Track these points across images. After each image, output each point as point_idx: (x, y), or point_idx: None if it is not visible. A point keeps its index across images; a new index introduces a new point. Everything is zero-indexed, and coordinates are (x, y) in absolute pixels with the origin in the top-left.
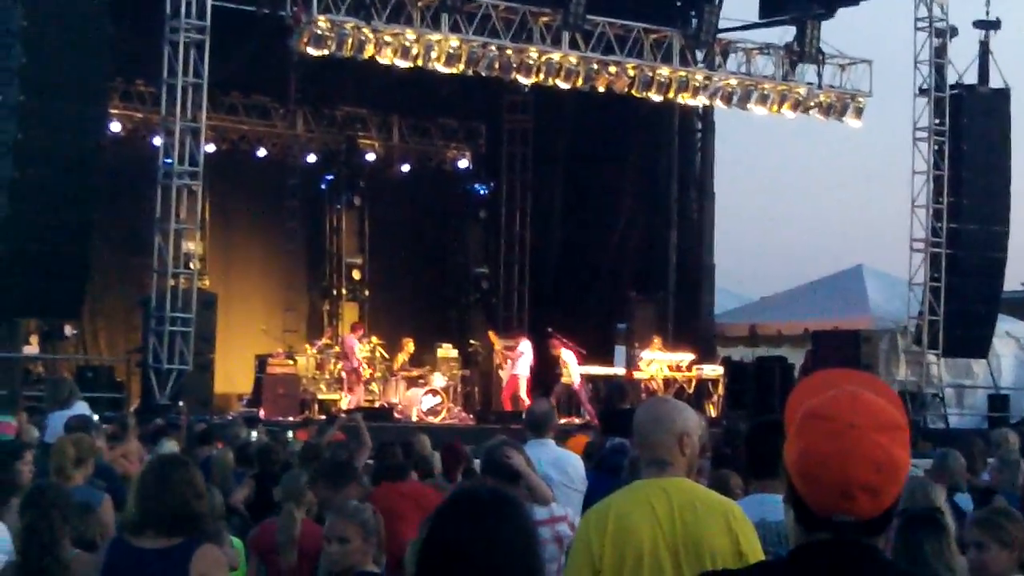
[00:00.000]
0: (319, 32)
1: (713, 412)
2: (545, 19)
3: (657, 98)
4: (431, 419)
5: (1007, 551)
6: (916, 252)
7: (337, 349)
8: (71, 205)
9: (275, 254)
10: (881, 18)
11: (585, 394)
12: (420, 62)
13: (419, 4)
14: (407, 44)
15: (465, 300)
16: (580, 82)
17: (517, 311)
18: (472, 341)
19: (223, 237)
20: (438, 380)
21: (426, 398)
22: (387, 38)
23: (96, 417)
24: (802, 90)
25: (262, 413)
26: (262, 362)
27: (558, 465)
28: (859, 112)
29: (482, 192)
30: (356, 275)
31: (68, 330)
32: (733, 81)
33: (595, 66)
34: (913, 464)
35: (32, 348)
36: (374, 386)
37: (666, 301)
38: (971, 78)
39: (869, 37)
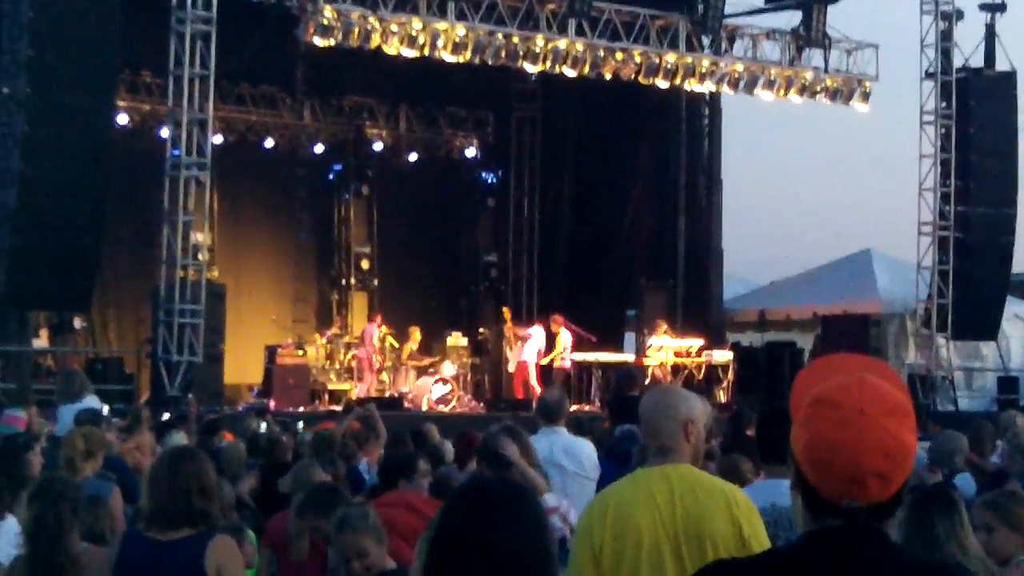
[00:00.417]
0: (325, 22)
1: (723, 397)
2: (551, 6)
3: (664, 84)
4: (441, 408)
5: (1016, 534)
6: (924, 236)
7: (347, 339)
8: (80, 198)
9: (284, 244)
10: (887, 2)
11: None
12: (427, 51)
13: None
14: (413, 33)
15: (474, 288)
16: (587, 69)
17: (526, 299)
18: (482, 329)
19: (232, 228)
20: (448, 369)
21: (436, 387)
22: (393, 27)
23: (107, 409)
24: (808, 75)
25: (272, 404)
26: (272, 353)
27: (570, 453)
28: (866, 96)
29: (490, 180)
30: (365, 264)
31: (77, 323)
32: (739, 67)
33: (601, 53)
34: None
35: (42, 341)
36: (384, 375)
37: (675, 287)
38: (977, 61)
39: (875, 21)
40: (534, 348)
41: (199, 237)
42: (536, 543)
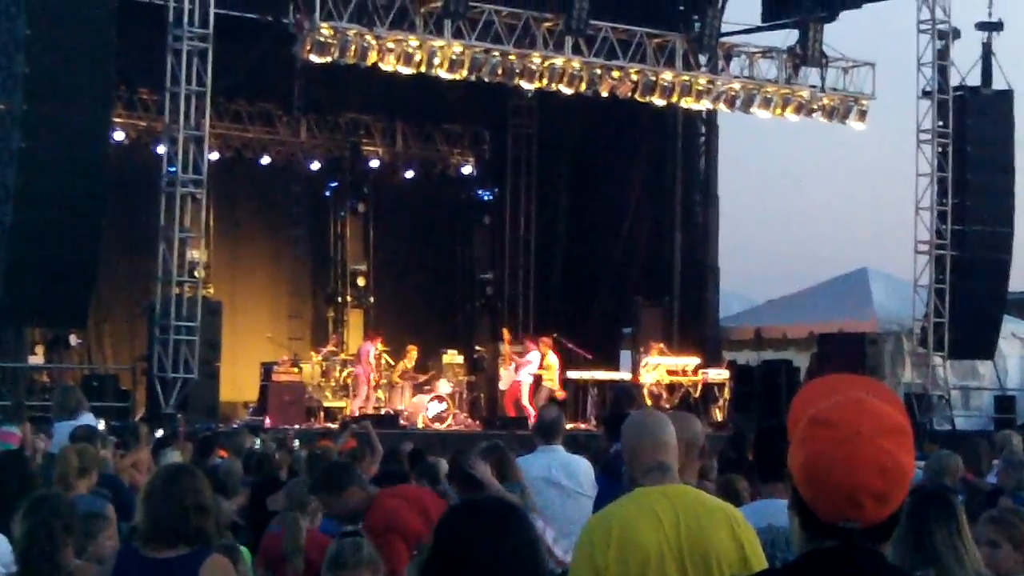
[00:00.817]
0: (322, 39)
1: (719, 416)
2: (548, 24)
3: (660, 102)
4: (437, 425)
5: (1018, 552)
6: (921, 254)
7: (343, 356)
8: (76, 214)
9: (280, 261)
10: (883, 20)
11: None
12: (423, 68)
13: (422, 10)
14: (410, 50)
15: (471, 306)
16: (583, 87)
17: (522, 316)
18: (478, 347)
19: (228, 245)
20: (444, 386)
21: (432, 404)
22: (390, 44)
23: (103, 426)
24: (805, 93)
25: (268, 421)
26: (267, 370)
27: (568, 471)
28: (862, 115)
29: (487, 197)
30: (361, 281)
31: (73, 339)
32: (736, 85)
33: (598, 71)
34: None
35: (38, 358)
36: (380, 392)
37: (671, 305)
38: (974, 80)
39: (872, 40)
40: (529, 370)
41: (195, 254)
42: (529, 562)
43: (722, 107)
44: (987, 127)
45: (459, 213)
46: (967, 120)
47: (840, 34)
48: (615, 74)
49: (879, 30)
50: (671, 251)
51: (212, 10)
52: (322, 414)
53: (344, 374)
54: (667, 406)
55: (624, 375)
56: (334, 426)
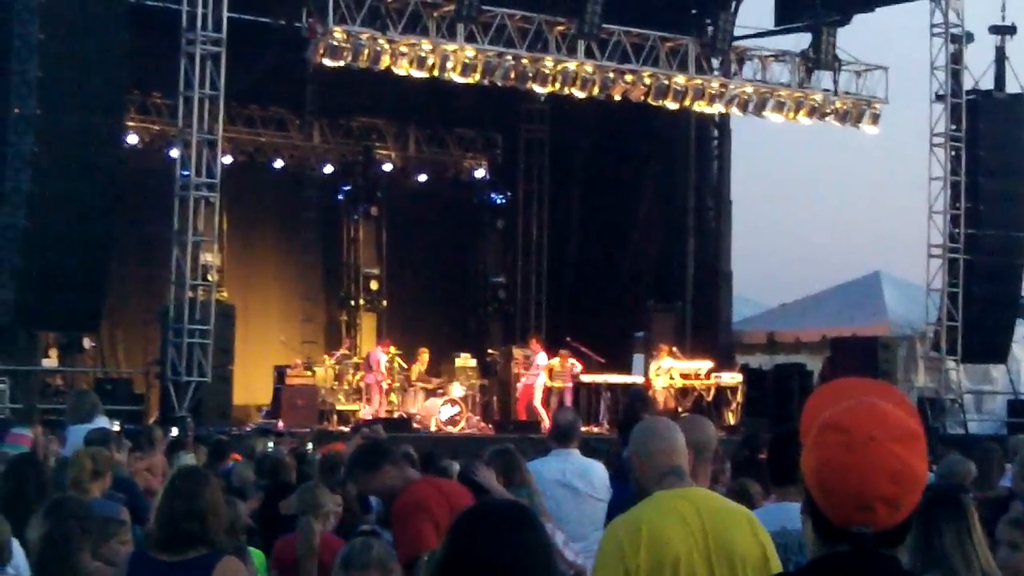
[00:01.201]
0: (335, 43)
1: (732, 420)
2: (560, 28)
3: (673, 106)
4: (449, 429)
5: None
6: (934, 258)
7: (356, 359)
8: (90, 218)
9: (292, 265)
10: (897, 24)
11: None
12: (436, 72)
13: (435, 14)
14: (423, 54)
15: (483, 310)
16: (596, 91)
17: (535, 320)
18: (490, 351)
19: (241, 248)
20: (456, 390)
21: (444, 408)
22: (403, 48)
23: (117, 429)
24: (818, 97)
25: (281, 424)
26: (280, 373)
27: (582, 474)
28: (875, 118)
29: (499, 201)
30: (374, 285)
31: (87, 343)
32: (749, 88)
33: (611, 75)
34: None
35: (51, 361)
36: (393, 396)
37: (684, 309)
38: (987, 83)
39: (885, 43)
40: (543, 375)
41: (208, 257)
42: (541, 564)
43: (735, 111)
44: (1000, 131)
45: (471, 217)
46: (980, 124)
47: (853, 38)
48: (628, 78)
49: (892, 34)
50: (684, 255)
51: (225, 14)
52: (335, 417)
53: (357, 377)
54: (680, 409)
55: (637, 379)
56: (346, 429)
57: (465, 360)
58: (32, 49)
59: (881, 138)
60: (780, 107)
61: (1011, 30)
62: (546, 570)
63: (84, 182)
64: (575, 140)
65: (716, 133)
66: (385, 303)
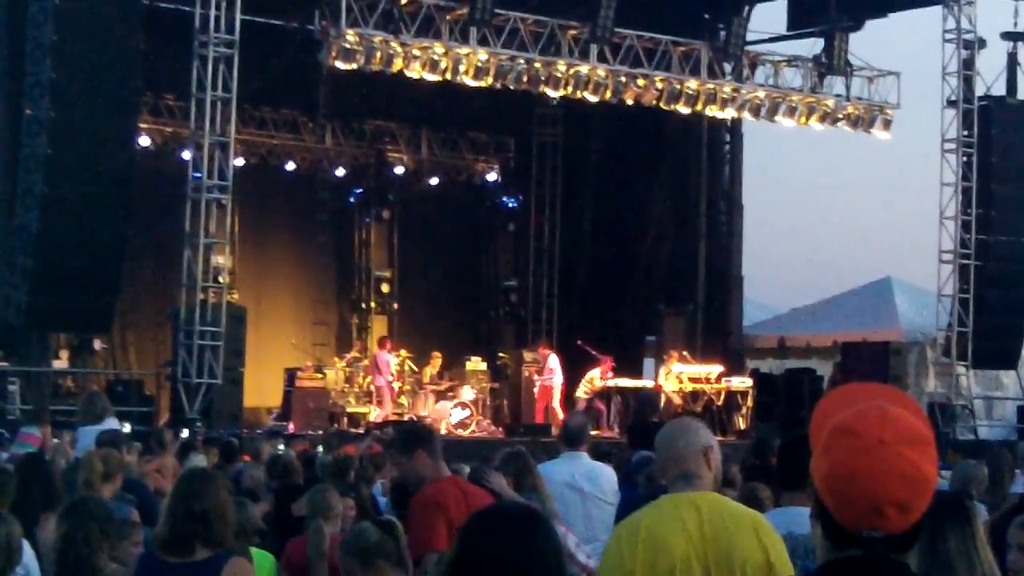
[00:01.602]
0: (348, 46)
1: (742, 424)
2: (573, 32)
3: (685, 110)
4: (460, 432)
5: None
6: (945, 264)
7: (367, 362)
8: (102, 220)
9: (304, 268)
10: (909, 30)
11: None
12: (449, 76)
13: (448, 18)
14: (436, 58)
15: (494, 313)
16: (608, 95)
17: (546, 324)
18: (501, 354)
19: (253, 251)
20: (467, 393)
21: (455, 411)
22: (416, 52)
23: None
24: (830, 102)
25: (291, 427)
26: (291, 376)
27: (591, 478)
28: (887, 124)
29: (511, 205)
30: (385, 288)
31: (98, 344)
32: (761, 93)
33: (623, 79)
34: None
35: (62, 362)
36: (403, 399)
37: (695, 313)
38: (999, 89)
39: (897, 49)
40: (558, 376)
41: (220, 260)
42: (552, 568)
43: (747, 116)
44: (1012, 136)
45: (483, 221)
46: (992, 130)
47: (865, 43)
48: (640, 82)
49: (904, 39)
50: (695, 259)
51: (238, 16)
52: (345, 420)
53: (368, 380)
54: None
55: (647, 383)
56: (357, 432)
57: (476, 363)
58: (45, 51)
59: (893, 143)
60: (792, 112)
61: (1023, 36)
62: (556, 573)
63: (97, 184)
64: (587, 144)
65: (728, 138)
66: (396, 306)
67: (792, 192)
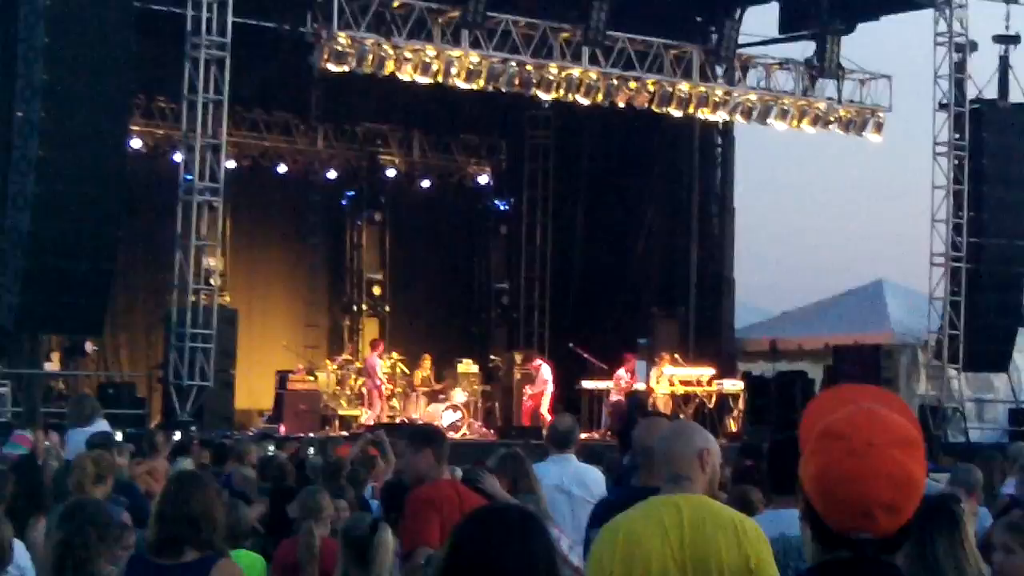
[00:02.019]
0: (340, 48)
1: (734, 427)
2: (565, 35)
3: (677, 113)
4: (452, 434)
5: None
6: (936, 267)
7: (358, 365)
8: (94, 222)
9: (296, 270)
10: (901, 33)
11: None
12: (441, 78)
13: (439, 20)
14: (428, 60)
15: (486, 316)
16: (600, 98)
17: (538, 327)
18: (493, 357)
19: (244, 253)
20: (459, 396)
21: (447, 414)
22: (407, 54)
23: (120, 436)
24: (822, 105)
25: (283, 429)
26: (283, 378)
27: (580, 480)
28: (879, 127)
29: (503, 208)
30: (377, 291)
31: (89, 346)
32: (753, 96)
33: (615, 81)
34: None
35: (54, 365)
36: (395, 402)
37: (687, 316)
38: (991, 93)
39: (889, 52)
40: (550, 385)
41: (211, 262)
42: (544, 569)
43: (739, 118)
44: (1003, 140)
45: (475, 223)
46: (984, 133)
47: (857, 46)
48: (632, 85)
49: (896, 42)
50: (687, 262)
51: (230, 19)
52: (337, 423)
53: (359, 383)
54: (682, 416)
55: (639, 385)
56: (346, 434)
57: (468, 366)
58: (38, 53)
59: (885, 147)
60: (784, 115)
61: (1015, 40)
62: (548, 574)
63: (89, 186)
64: (579, 147)
65: (720, 141)
66: (388, 309)
67: (783, 195)
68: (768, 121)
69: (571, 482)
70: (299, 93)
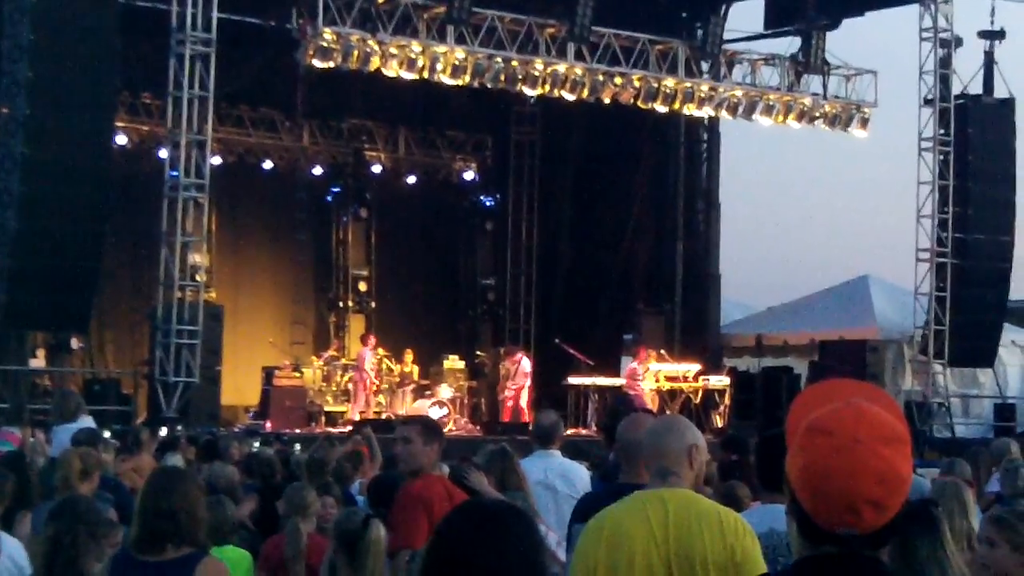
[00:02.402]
0: (325, 44)
1: (720, 422)
2: (551, 31)
3: (663, 109)
4: None
5: (1017, 554)
6: (922, 262)
7: (344, 361)
8: (80, 219)
9: (282, 266)
10: (886, 29)
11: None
12: (426, 74)
13: (425, 16)
14: (413, 56)
15: (472, 312)
16: (586, 93)
17: (524, 323)
18: (479, 353)
19: (230, 249)
20: (445, 391)
21: (432, 409)
22: (393, 50)
23: (108, 434)
24: (807, 101)
25: (269, 425)
26: (269, 374)
27: (564, 476)
28: (864, 122)
29: (489, 204)
30: (363, 287)
31: (75, 343)
32: (738, 92)
33: (601, 77)
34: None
35: (39, 361)
36: (381, 398)
37: (672, 312)
38: (976, 88)
39: (874, 48)
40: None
41: (197, 258)
42: (528, 565)
43: (724, 114)
44: (988, 135)
45: (461, 219)
46: (969, 128)
47: (842, 42)
48: (618, 80)
49: (881, 38)
50: (673, 258)
51: (215, 15)
52: (323, 419)
53: (345, 379)
54: (668, 412)
55: (624, 381)
56: (334, 431)
57: (454, 362)
58: (23, 50)
59: (870, 142)
60: (769, 111)
61: (1000, 35)
62: (533, 571)
63: (74, 183)
64: (565, 143)
65: (705, 136)
66: (374, 305)
67: (769, 191)
68: (754, 117)
69: (555, 478)
70: (285, 89)
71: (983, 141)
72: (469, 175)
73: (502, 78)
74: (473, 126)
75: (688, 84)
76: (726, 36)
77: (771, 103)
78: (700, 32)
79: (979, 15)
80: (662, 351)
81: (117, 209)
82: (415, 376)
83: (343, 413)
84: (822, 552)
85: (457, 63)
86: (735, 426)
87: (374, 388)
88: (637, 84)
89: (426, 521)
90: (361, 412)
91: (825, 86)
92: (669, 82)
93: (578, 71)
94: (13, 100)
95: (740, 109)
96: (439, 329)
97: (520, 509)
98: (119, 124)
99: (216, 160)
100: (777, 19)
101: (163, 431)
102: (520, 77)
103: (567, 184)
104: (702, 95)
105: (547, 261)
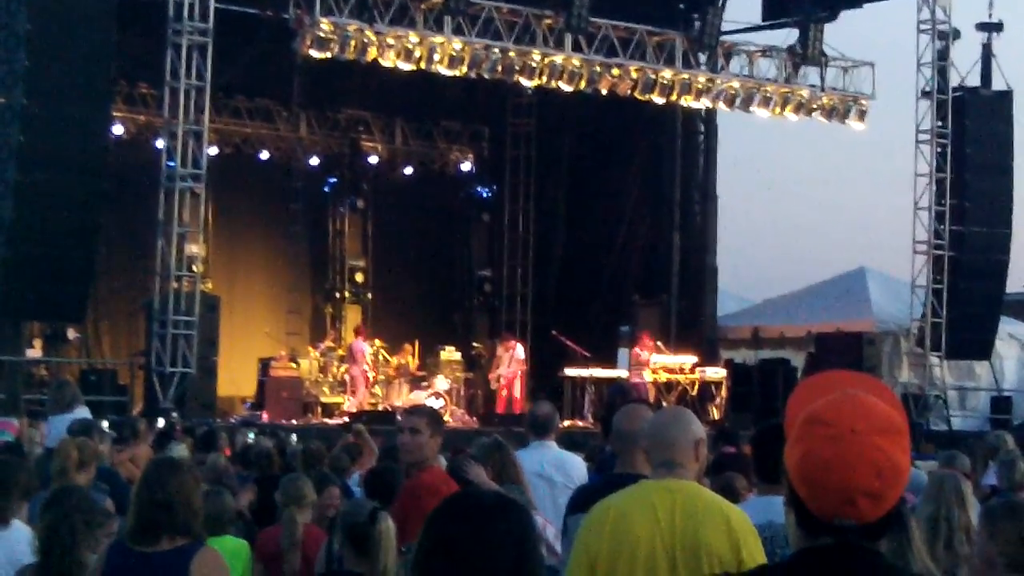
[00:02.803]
0: (322, 35)
1: (716, 415)
2: (548, 21)
3: (660, 101)
4: None
5: (992, 543)
6: (919, 254)
7: (341, 352)
8: (76, 209)
9: (278, 257)
10: (884, 20)
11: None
12: (423, 65)
13: (422, 6)
14: (410, 47)
15: (468, 303)
16: (583, 84)
17: (520, 314)
18: (475, 344)
19: (226, 240)
20: (441, 383)
21: (429, 401)
22: (390, 40)
23: (105, 424)
24: (805, 93)
25: (265, 416)
26: (265, 365)
27: (560, 466)
28: (862, 115)
29: (485, 195)
30: (359, 278)
31: (71, 333)
32: (736, 84)
33: (598, 68)
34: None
35: (35, 351)
36: (377, 389)
37: (669, 303)
38: (974, 80)
39: (872, 39)
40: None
41: (194, 249)
42: (522, 556)
43: (721, 106)
44: (986, 128)
45: (458, 210)
46: (966, 121)
47: (840, 34)
48: (615, 72)
49: (879, 30)
50: (669, 250)
51: (212, 5)
52: (319, 409)
53: (342, 370)
54: (664, 404)
55: (621, 373)
56: (330, 421)
57: (450, 353)
58: (19, 39)
59: (867, 134)
60: (767, 103)
61: (998, 27)
62: (527, 561)
63: (70, 173)
64: (562, 134)
65: (702, 128)
66: (370, 296)
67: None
68: (751, 109)
69: (552, 469)
70: (281, 79)
71: (980, 134)
72: (466, 166)
73: (499, 69)
74: (470, 117)
75: (685, 75)
76: (723, 27)
77: (768, 95)
78: (697, 23)
79: (977, 7)
80: (659, 343)
81: (113, 199)
82: (412, 367)
83: (339, 404)
84: (820, 543)
85: (454, 54)
86: (731, 419)
87: (372, 380)
88: (634, 75)
89: (421, 518)
90: (358, 404)
91: (823, 78)
92: (666, 73)
93: (575, 62)
94: (10, 89)
95: (737, 101)
96: (435, 320)
97: (512, 499)
98: (116, 114)
99: (213, 150)
100: (775, 11)
101: (160, 422)
102: (517, 68)
103: (564, 175)
104: (699, 87)
105: (543, 252)
